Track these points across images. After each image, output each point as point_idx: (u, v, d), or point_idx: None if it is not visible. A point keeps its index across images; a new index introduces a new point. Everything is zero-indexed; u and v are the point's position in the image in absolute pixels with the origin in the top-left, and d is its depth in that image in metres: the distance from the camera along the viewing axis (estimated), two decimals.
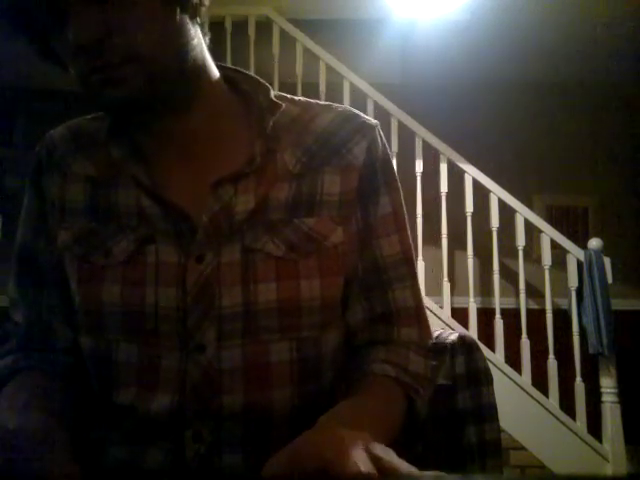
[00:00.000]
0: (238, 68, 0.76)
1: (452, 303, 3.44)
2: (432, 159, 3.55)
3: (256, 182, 0.68)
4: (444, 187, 3.51)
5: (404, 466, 0.47)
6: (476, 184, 3.49)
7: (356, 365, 0.72)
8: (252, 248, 0.66)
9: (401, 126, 3.54)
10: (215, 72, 0.72)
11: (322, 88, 3.58)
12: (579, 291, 3.33)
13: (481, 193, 3.51)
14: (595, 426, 3.20)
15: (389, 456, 0.48)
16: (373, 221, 0.74)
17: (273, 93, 0.73)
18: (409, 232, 0.77)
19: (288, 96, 0.77)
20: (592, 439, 3.15)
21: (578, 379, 3.24)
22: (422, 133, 3.53)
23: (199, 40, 0.67)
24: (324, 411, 0.64)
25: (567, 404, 3.24)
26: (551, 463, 3.14)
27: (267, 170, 0.69)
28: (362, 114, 0.78)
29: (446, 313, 3.35)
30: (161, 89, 0.63)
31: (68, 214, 0.71)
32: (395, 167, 0.79)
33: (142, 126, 0.70)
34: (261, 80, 0.75)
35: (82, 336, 0.71)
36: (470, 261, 3.45)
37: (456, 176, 3.52)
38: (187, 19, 0.65)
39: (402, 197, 0.78)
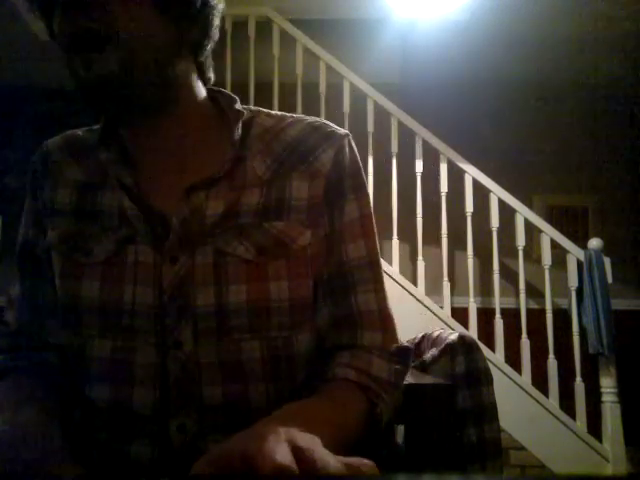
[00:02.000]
0: (218, 88, 0.81)
1: (452, 303, 3.44)
2: (432, 159, 3.55)
3: (227, 188, 0.72)
4: (444, 187, 3.51)
5: (329, 458, 0.48)
6: (476, 184, 3.49)
7: (320, 370, 0.73)
8: (224, 251, 0.70)
9: (401, 126, 3.54)
10: (202, 92, 0.77)
11: (322, 88, 3.58)
12: (579, 291, 3.33)
13: (481, 193, 3.51)
14: (595, 426, 3.20)
15: (313, 448, 0.49)
16: (339, 226, 0.76)
17: (238, 105, 0.78)
18: (377, 239, 0.80)
19: (264, 110, 0.82)
20: (592, 439, 3.15)
21: (578, 379, 3.24)
22: (422, 133, 3.53)
23: (187, 66, 0.74)
24: (307, 395, 0.67)
25: (567, 404, 3.24)
26: (551, 463, 3.14)
27: (237, 177, 0.73)
28: (332, 124, 0.81)
29: (446, 313, 3.35)
30: (133, 80, 0.67)
31: (57, 216, 0.77)
32: (369, 173, 0.82)
33: (130, 132, 0.75)
34: (230, 94, 0.80)
35: (62, 330, 0.74)
36: (470, 261, 3.45)
37: (456, 176, 3.52)
38: (179, 42, 0.71)
39: (371, 204, 0.80)
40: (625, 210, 4.21)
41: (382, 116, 3.51)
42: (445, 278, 3.42)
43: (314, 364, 0.75)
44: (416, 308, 3.27)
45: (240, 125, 0.75)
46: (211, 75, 0.80)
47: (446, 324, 3.27)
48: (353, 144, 0.80)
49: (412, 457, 0.82)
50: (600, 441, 3.18)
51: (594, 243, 3.33)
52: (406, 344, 0.78)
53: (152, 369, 0.68)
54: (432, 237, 3.61)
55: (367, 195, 0.80)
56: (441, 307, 3.36)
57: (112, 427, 0.70)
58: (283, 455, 0.47)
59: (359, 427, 0.68)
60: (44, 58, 3.63)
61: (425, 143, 3.53)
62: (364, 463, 0.47)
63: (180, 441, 0.67)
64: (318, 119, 0.81)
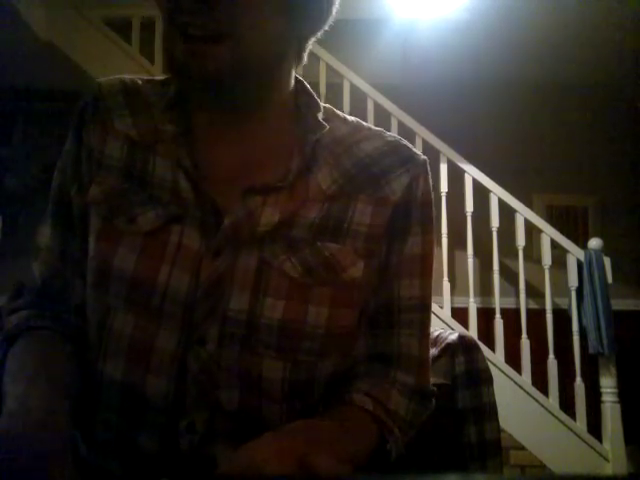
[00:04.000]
0: (301, 79, 0.75)
1: (452, 303, 3.44)
2: (432, 159, 3.55)
3: (287, 197, 0.68)
4: (444, 187, 3.51)
5: (336, 465, 0.48)
6: (476, 184, 3.50)
7: (338, 392, 0.71)
8: (269, 262, 0.66)
9: (401, 126, 3.54)
10: (290, 86, 0.72)
11: (322, 88, 3.58)
12: (579, 291, 3.33)
13: (481, 193, 3.51)
14: (595, 426, 3.20)
15: (320, 456, 0.49)
16: (397, 259, 0.72)
17: (322, 113, 0.73)
18: (432, 281, 0.75)
19: (341, 115, 0.76)
20: (592, 439, 3.15)
21: (578, 379, 3.24)
22: (422, 133, 3.53)
23: (295, 61, 0.70)
24: (320, 415, 0.66)
25: (567, 404, 3.24)
26: (551, 463, 3.14)
27: (299, 188, 0.68)
28: (413, 147, 0.75)
29: (446, 313, 3.35)
30: (243, 79, 0.63)
31: (103, 169, 0.71)
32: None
33: (205, 112, 0.70)
34: (313, 94, 0.74)
35: (87, 290, 0.71)
36: (470, 261, 3.45)
37: (456, 176, 3.52)
38: (295, 41, 0.68)
39: (434, 242, 0.75)
40: (625, 210, 4.21)
41: (382, 116, 3.51)
42: (445, 278, 3.42)
43: (333, 387, 0.72)
44: None
45: (315, 138, 0.70)
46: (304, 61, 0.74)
47: (446, 324, 3.27)
48: (429, 172, 0.75)
49: (412, 457, 0.82)
50: (600, 441, 3.17)
51: (594, 243, 3.33)
52: (432, 387, 0.76)
53: (170, 359, 0.64)
54: None
55: (432, 232, 0.75)
56: (441, 307, 3.36)
57: (123, 410, 0.67)
58: (287, 464, 0.47)
59: (365, 456, 0.66)
60: (44, 58, 3.64)
61: (425, 143, 3.53)
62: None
63: (187, 441, 0.64)
64: (398, 137, 0.76)
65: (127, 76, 0.77)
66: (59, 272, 0.74)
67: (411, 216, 0.72)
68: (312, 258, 0.66)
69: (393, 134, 0.76)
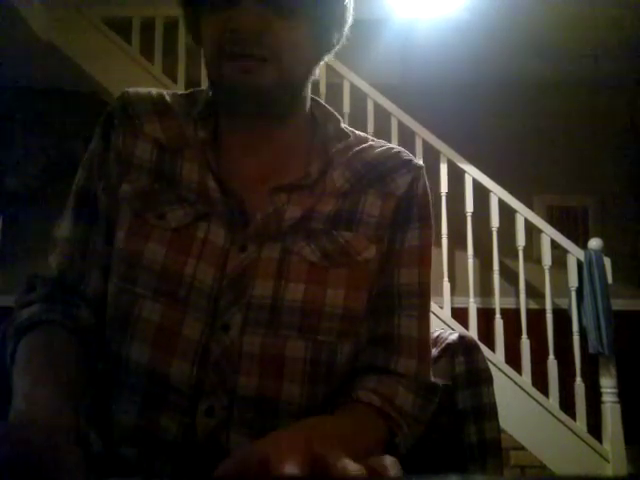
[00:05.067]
0: (314, 96, 0.85)
1: (452, 303, 3.44)
2: (432, 159, 3.55)
3: (307, 196, 0.76)
4: (444, 187, 3.51)
5: (347, 463, 0.48)
6: (476, 184, 3.50)
7: (345, 390, 0.74)
8: (290, 250, 0.73)
9: (401, 126, 3.54)
10: (309, 99, 0.82)
11: (322, 88, 3.58)
12: (579, 291, 3.33)
13: (481, 193, 3.51)
14: (595, 426, 3.20)
15: (331, 453, 0.49)
16: (398, 249, 0.79)
17: (344, 125, 0.83)
18: (430, 272, 0.82)
19: (349, 128, 0.86)
20: (592, 439, 3.15)
21: (578, 379, 3.24)
22: (422, 133, 3.53)
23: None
24: (329, 414, 0.69)
25: (567, 404, 3.24)
26: (551, 463, 3.14)
27: (318, 186, 0.77)
28: (412, 156, 0.85)
29: (446, 313, 3.35)
30: (283, 93, 0.72)
31: (134, 169, 0.77)
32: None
33: (231, 122, 0.78)
34: (329, 109, 0.84)
35: (112, 280, 0.75)
36: (470, 261, 3.45)
37: (456, 176, 3.52)
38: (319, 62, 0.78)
39: (432, 237, 0.83)
40: (625, 210, 4.21)
41: (382, 116, 3.51)
42: (445, 278, 3.42)
43: (351, 377, 0.75)
44: None
45: (340, 145, 0.79)
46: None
47: (446, 324, 3.27)
48: (426, 178, 0.84)
49: (412, 457, 0.82)
50: (600, 441, 3.18)
51: (594, 243, 3.33)
52: (436, 381, 0.79)
53: (195, 345, 0.69)
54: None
55: (431, 227, 0.83)
56: (441, 307, 3.36)
57: (146, 393, 0.70)
58: (296, 460, 0.47)
59: (375, 452, 0.67)
60: (44, 58, 3.64)
61: (425, 143, 3.53)
62: (384, 465, 0.47)
63: (205, 425, 0.68)
64: (400, 147, 0.85)
65: (152, 89, 0.84)
66: (77, 263, 0.78)
67: (412, 211, 0.80)
68: (329, 245, 0.74)
69: (394, 145, 0.86)
